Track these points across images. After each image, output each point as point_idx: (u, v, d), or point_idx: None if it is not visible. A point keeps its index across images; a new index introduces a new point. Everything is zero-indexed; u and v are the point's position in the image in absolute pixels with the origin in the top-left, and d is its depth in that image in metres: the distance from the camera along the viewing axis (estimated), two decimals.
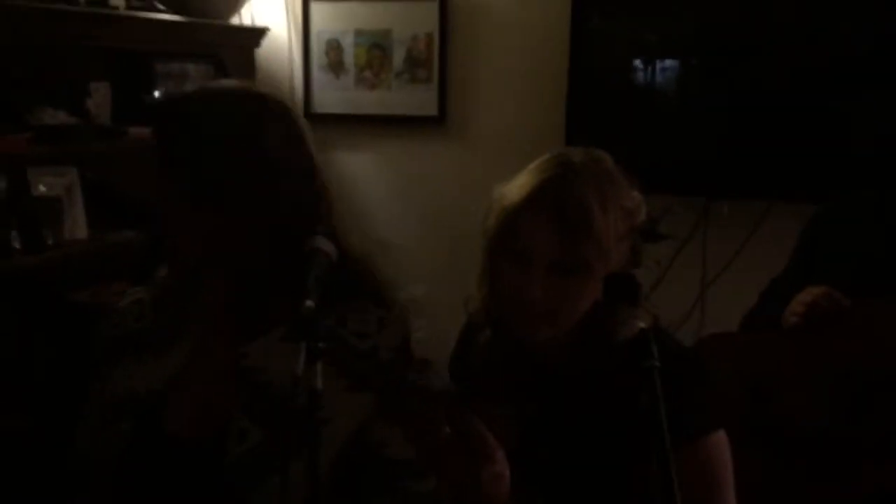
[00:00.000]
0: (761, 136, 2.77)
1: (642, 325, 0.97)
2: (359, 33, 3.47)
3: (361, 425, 1.12)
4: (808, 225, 1.95)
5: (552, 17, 3.08)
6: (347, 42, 3.50)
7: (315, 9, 3.52)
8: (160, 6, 2.99)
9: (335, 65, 3.54)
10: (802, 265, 1.92)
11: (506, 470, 0.94)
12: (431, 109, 3.38)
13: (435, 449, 0.92)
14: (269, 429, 1.11)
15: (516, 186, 1.19)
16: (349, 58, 3.51)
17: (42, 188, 2.60)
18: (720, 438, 1.16)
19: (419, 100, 3.40)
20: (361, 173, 3.61)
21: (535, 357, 1.20)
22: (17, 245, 2.55)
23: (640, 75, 2.95)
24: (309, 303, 0.93)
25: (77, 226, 2.69)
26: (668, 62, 2.93)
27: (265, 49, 3.60)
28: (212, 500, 1.10)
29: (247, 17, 3.54)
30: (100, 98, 2.83)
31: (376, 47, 3.45)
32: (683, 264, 2.94)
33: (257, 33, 3.54)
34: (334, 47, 3.53)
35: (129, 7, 2.88)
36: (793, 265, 1.95)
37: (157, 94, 2.97)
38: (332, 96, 3.57)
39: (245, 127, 1.15)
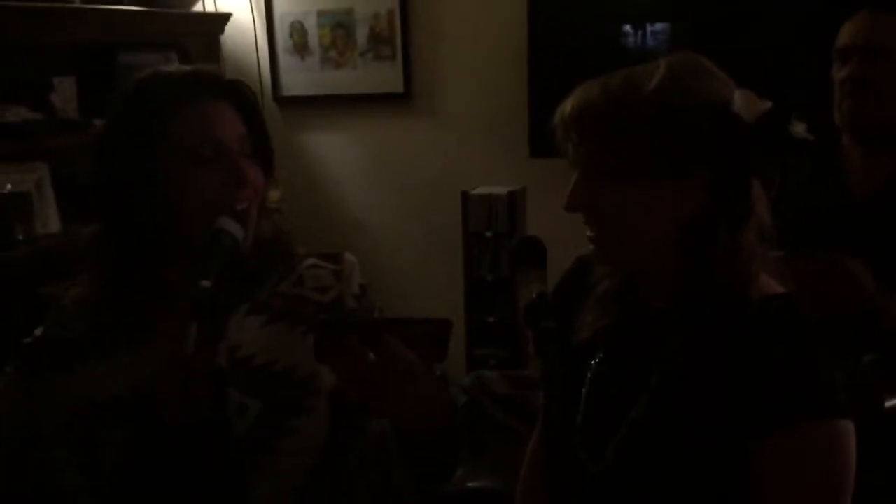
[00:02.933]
0: None
1: (543, 288, 1.01)
2: (321, 14, 3.49)
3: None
4: None
5: None
6: (311, 23, 3.51)
7: None
8: None
9: (300, 47, 3.55)
10: None
11: (431, 390, 0.98)
12: (397, 86, 3.40)
13: (359, 374, 0.94)
14: (263, 398, 1.16)
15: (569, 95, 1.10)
16: (314, 39, 3.52)
17: (9, 186, 2.62)
18: (829, 428, 0.96)
19: (385, 77, 3.42)
20: (331, 153, 3.64)
21: (641, 296, 1.11)
22: None
23: (601, 44, 2.98)
24: (205, 283, 0.98)
25: (49, 220, 2.72)
26: (629, 28, 2.96)
27: (229, 35, 3.61)
28: (224, 478, 1.15)
29: (210, 3, 3.55)
30: (64, 92, 2.84)
31: (339, 27, 3.47)
32: None
33: (220, 19, 3.55)
34: (298, 29, 3.54)
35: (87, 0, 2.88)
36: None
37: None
38: (298, 78, 3.59)
39: None
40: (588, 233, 1.08)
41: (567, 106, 1.05)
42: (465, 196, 3.20)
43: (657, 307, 1.10)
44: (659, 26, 2.95)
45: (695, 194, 1.01)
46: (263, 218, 1.26)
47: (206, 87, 1.20)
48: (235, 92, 1.23)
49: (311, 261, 1.29)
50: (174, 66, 1.26)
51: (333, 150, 3.63)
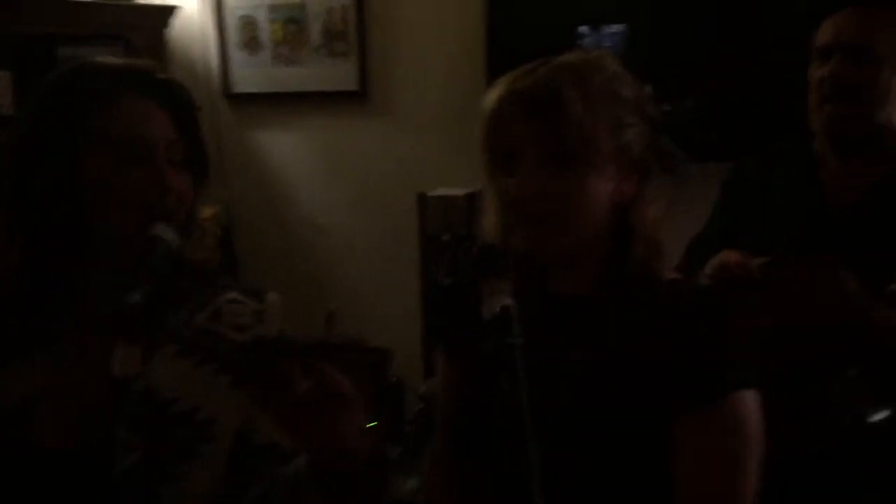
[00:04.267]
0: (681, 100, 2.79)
1: (507, 300, 0.96)
2: (273, 8, 3.37)
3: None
4: (725, 180, 1.94)
5: None
6: (262, 18, 3.39)
7: None
8: None
9: (250, 42, 3.43)
10: (717, 222, 1.90)
11: (363, 419, 0.92)
12: (352, 84, 3.30)
13: (288, 404, 0.88)
14: (152, 438, 1.06)
15: (494, 87, 1.13)
16: (265, 34, 3.40)
17: None
18: (745, 401, 1.04)
19: (339, 75, 3.31)
20: (284, 153, 3.52)
21: (551, 282, 1.10)
22: None
23: (558, 45, 2.91)
24: (135, 296, 0.89)
25: None
26: (585, 29, 2.91)
27: (177, 29, 3.47)
28: None
29: None
30: (0, 87, 2.69)
31: (292, 22, 3.35)
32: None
33: (166, 12, 3.40)
34: (248, 24, 3.42)
35: None
36: (709, 226, 1.94)
37: None
38: (249, 75, 3.47)
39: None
40: (524, 222, 1.07)
41: (518, 87, 1.07)
42: (422, 198, 3.11)
43: (573, 295, 1.11)
44: (615, 27, 2.91)
45: (633, 178, 1.08)
46: (189, 236, 1.15)
47: (135, 83, 1.10)
48: (168, 92, 1.13)
49: (232, 294, 1.17)
50: (107, 58, 1.15)
51: (286, 149, 3.52)
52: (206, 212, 1.24)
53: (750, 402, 1.04)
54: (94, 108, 1.07)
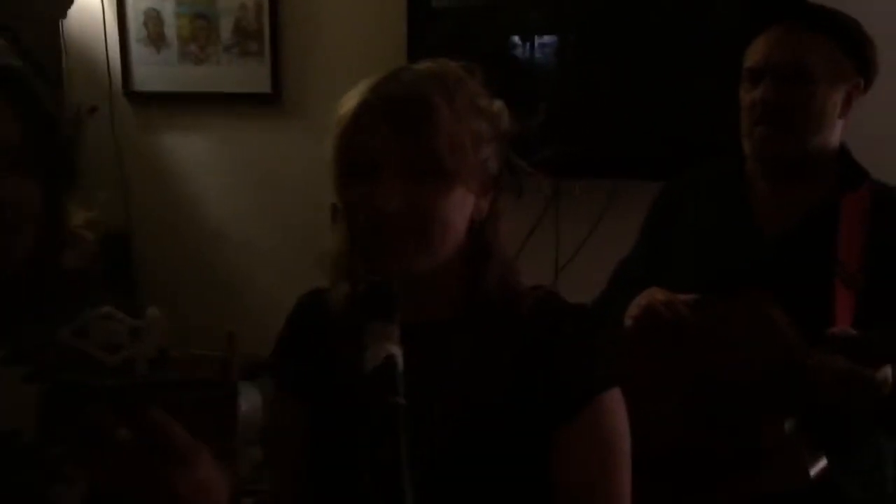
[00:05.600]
0: (610, 113, 2.69)
1: (392, 349, 0.84)
2: (180, 2, 3.14)
3: None
4: (651, 204, 1.84)
5: None
6: (168, 12, 3.16)
7: None
8: None
9: (155, 37, 3.20)
10: (644, 247, 1.81)
11: (213, 474, 0.75)
12: (264, 86, 3.10)
13: (103, 453, 0.71)
14: None
15: (347, 98, 1.05)
16: (171, 30, 3.17)
17: None
18: (614, 398, 1.05)
19: (251, 75, 3.11)
20: (190, 157, 3.29)
21: (409, 311, 0.95)
22: None
23: (487, 55, 2.79)
24: None
25: None
26: (517, 39, 2.79)
27: (74, 21, 3.22)
28: None
29: None
30: None
31: (201, 17, 3.13)
32: (535, 248, 2.82)
33: (63, 2, 3.15)
34: (153, 17, 3.18)
35: None
36: (636, 250, 1.84)
37: None
38: (153, 73, 3.23)
39: None
40: (383, 241, 1.00)
41: (382, 92, 1.01)
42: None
43: (432, 321, 1.05)
44: (547, 39, 2.80)
45: (489, 194, 1.06)
46: (60, 243, 1.02)
47: None
48: (12, 85, 0.96)
49: (105, 309, 1.02)
50: None
51: (192, 152, 3.29)
52: (79, 217, 1.09)
53: (616, 398, 1.05)
54: None
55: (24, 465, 0.92)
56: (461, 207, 1.03)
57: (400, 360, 0.83)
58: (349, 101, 1.03)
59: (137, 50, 3.21)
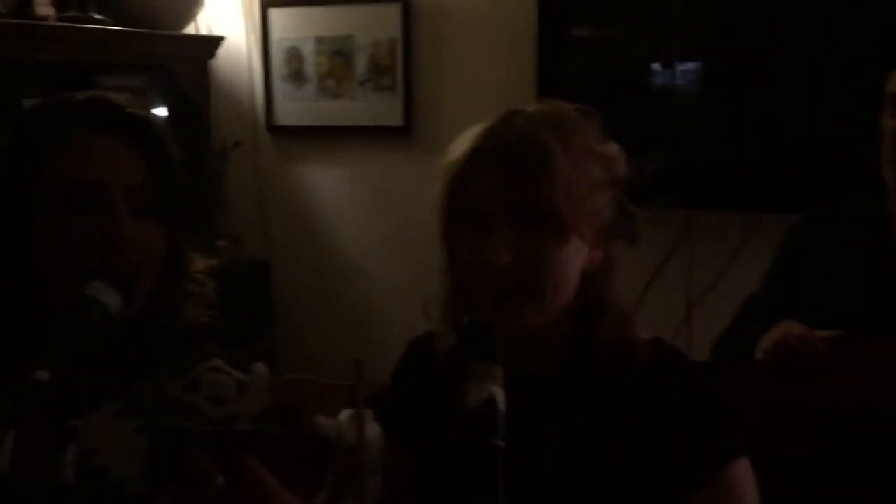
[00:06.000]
0: (751, 142, 2.59)
1: (495, 390, 0.80)
2: (319, 41, 3.27)
3: None
4: (785, 238, 1.75)
5: (520, 16, 2.87)
6: (308, 50, 3.29)
7: (274, 15, 3.32)
8: (98, 16, 2.78)
9: (296, 74, 3.34)
10: (776, 285, 1.72)
11: None
12: (397, 119, 3.17)
13: (201, 499, 0.72)
14: None
15: (458, 143, 1.00)
16: (310, 67, 3.30)
17: None
18: (743, 468, 0.96)
19: (384, 109, 3.19)
20: (326, 189, 3.40)
21: (512, 361, 0.89)
22: None
23: (614, 80, 2.75)
24: (40, 374, 0.73)
25: None
26: (652, 65, 2.74)
27: (222, 59, 3.40)
28: None
29: (203, 26, 3.34)
30: None
31: (338, 55, 3.25)
32: (666, 281, 2.74)
33: (212, 43, 3.34)
34: (295, 56, 3.32)
35: (62, 18, 2.67)
36: (769, 284, 1.75)
37: None
38: (293, 108, 3.36)
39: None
40: (492, 295, 0.94)
41: (494, 139, 0.95)
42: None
43: (538, 375, 0.99)
44: (690, 65, 2.73)
45: (603, 244, 0.99)
46: (178, 295, 1.02)
47: (98, 119, 0.96)
48: (138, 129, 0.98)
49: (215, 362, 1.03)
50: (78, 93, 1.00)
51: (328, 184, 3.40)
52: (197, 264, 1.08)
53: (744, 470, 0.96)
54: (46, 148, 0.93)
55: None
56: (575, 260, 0.96)
57: (501, 401, 0.79)
58: (460, 147, 0.99)
59: (280, 86, 3.36)
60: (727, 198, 2.63)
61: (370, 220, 3.34)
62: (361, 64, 3.21)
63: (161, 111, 3.08)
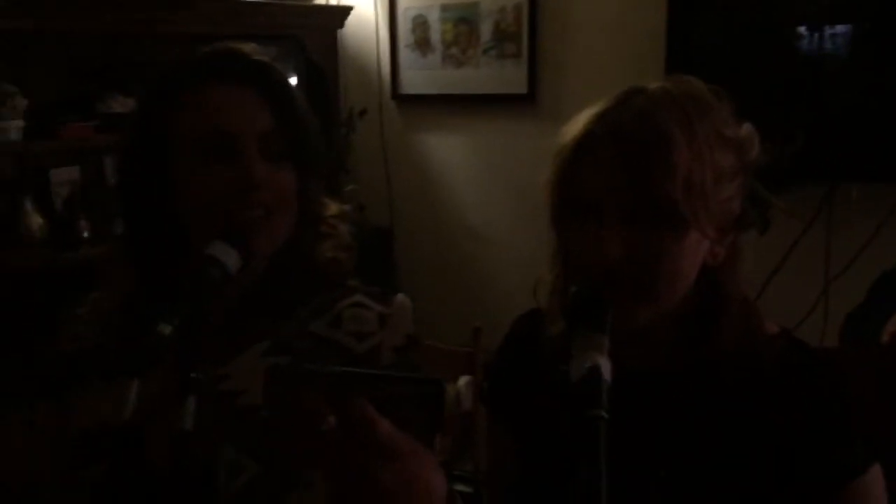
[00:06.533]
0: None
1: (601, 360, 0.76)
2: (445, 8, 3.27)
3: None
4: None
5: None
6: (434, 18, 3.30)
7: None
8: None
9: (422, 43, 3.35)
10: None
11: (423, 472, 0.71)
12: (521, 87, 3.14)
13: (315, 444, 0.70)
14: (262, 461, 0.95)
15: (573, 125, 0.94)
16: (436, 34, 3.31)
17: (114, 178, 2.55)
18: (876, 476, 0.90)
19: (508, 77, 3.16)
20: (449, 157, 3.42)
21: (623, 356, 0.84)
22: (86, 234, 2.50)
23: (747, 42, 2.62)
24: (163, 327, 0.76)
25: None
26: (782, 27, 2.58)
27: (350, 28, 3.46)
28: None
29: None
30: None
31: (463, 22, 3.24)
32: (804, 256, 2.61)
33: (341, 12, 3.40)
34: (421, 24, 3.34)
35: None
36: None
37: None
38: (419, 76, 3.39)
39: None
40: (625, 277, 0.87)
41: (613, 122, 0.88)
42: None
43: (650, 370, 0.94)
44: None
45: (729, 236, 0.92)
46: (314, 237, 1.05)
47: (224, 70, 0.98)
48: (264, 77, 1.00)
49: (356, 297, 1.06)
50: (206, 48, 1.03)
51: (452, 152, 3.41)
52: (332, 208, 1.10)
53: (876, 477, 0.91)
54: (180, 102, 0.97)
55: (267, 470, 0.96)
56: (693, 255, 0.89)
57: (607, 372, 0.76)
58: (573, 129, 0.92)
59: (405, 55, 3.39)
60: (871, 169, 2.47)
61: (493, 189, 3.34)
62: (486, 31, 3.19)
63: (291, 79, 3.16)
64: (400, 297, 1.08)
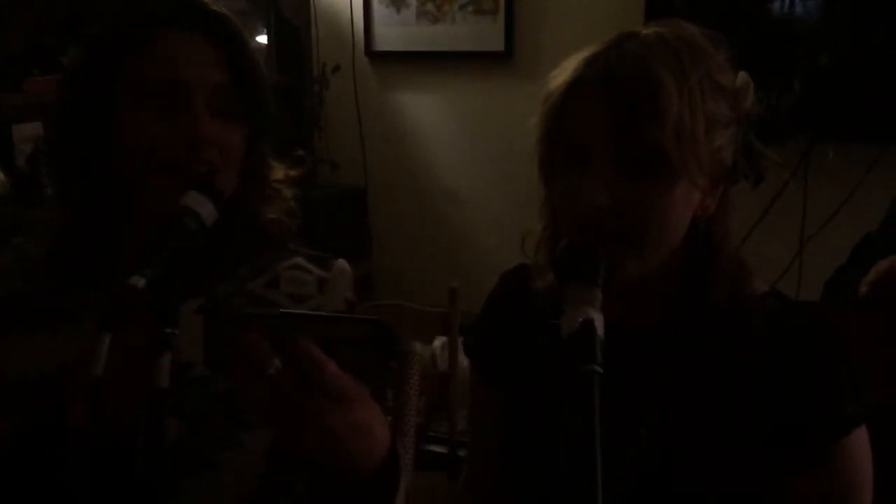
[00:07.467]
0: (877, 71, 2.41)
1: (593, 314, 0.75)
2: None
3: None
4: None
5: None
6: None
7: None
8: None
9: None
10: (892, 225, 1.61)
11: (371, 416, 0.70)
12: (498, 44, 3.09)
13: (260, 388, 0.68)
14: (188, 420, 0.94)
15: (562, 70, 0.91)
16: None
17: None
18: (860, 439, 0.90)
19: (484, 34, 3.11)
20: (425, 115, 3.36)
21: (611, 312, 0.81)
22: (50, 191, 2.44)
23: (738, 10, 2.59)
24: (136, 280, 0.73)
25: None
26: None
27: None
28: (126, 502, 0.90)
29: None
30: None
31: None
32: (779, 216, 2.61)
33: None
34: None
35: None
36: (883, 224, 1.64)
37: None
38: (393, 33, 3.32)
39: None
40: (613, 226, 0.85)
41: (602, 67, 0.86)
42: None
43: (641, 327, 0.93)
44: None
45: (720, 188, 0.91)
46: (258, 199, 1.03)
47: (179, 17, 0.93)
48: (220, 27, 0.95)
49: (297, 259, 1.05)
50: None
51: (427, 111, 3.36)
52: (277, 171, 1.08)
53: (863, 439, 0.90)
54: (128, 49, 0.92)
55: (218, 410, 0.95)
56: (683, 206, 0.87)
57: (600, 326, 0.74)
58: (561, 75, 0.90)
59: (379, 11, 3.31)
60: (848, 130, 2.47)
61: (469, 148, 3.30)
62: None
63: (263, 36, 3.09)
64: (340, 262, 1.07)
